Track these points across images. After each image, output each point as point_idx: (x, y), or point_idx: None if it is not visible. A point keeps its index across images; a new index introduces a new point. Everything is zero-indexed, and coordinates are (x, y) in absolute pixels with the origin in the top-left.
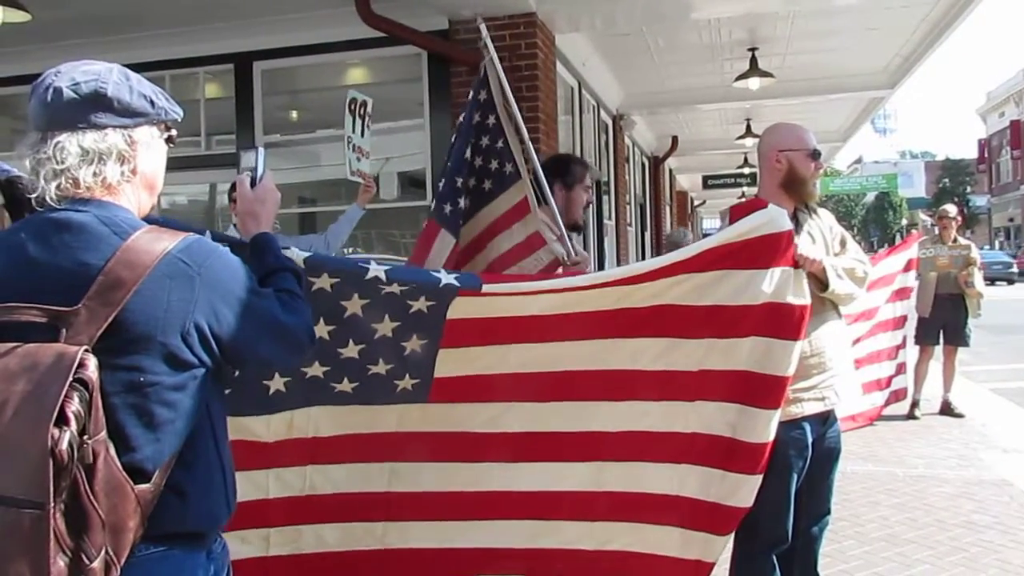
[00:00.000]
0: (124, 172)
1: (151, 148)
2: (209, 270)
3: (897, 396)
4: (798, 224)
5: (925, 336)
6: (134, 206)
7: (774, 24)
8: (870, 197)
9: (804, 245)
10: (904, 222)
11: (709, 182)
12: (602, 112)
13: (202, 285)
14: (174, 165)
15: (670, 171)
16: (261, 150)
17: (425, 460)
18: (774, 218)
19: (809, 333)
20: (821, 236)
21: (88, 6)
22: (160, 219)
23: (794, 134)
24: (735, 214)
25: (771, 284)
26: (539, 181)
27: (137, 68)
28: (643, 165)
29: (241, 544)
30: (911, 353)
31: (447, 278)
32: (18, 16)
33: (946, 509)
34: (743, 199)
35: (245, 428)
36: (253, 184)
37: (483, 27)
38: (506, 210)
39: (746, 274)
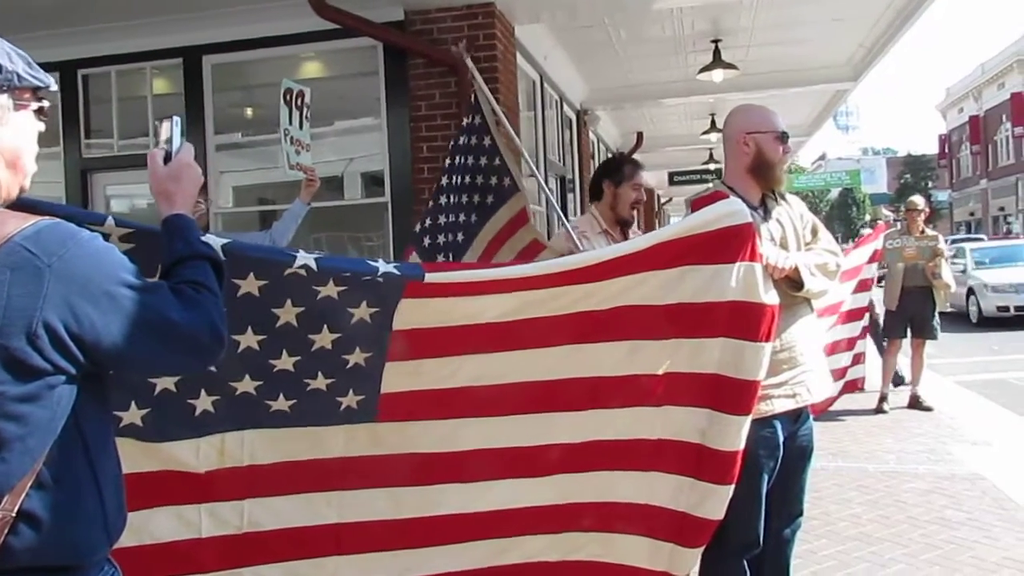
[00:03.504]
0: None
1: (5, 121)
2: (64, 260)
3: (852, 386)
4: (767, 211)
5: (893, 329)
6: None
7: (737, 15)
8: (834, 193)
9: (772, 253)
10: (867, 218)
11: (675, 178)
12: (565, 107)
13: (54, 277)
14: (122, 164)
15: None
16: (176, 119)
17: (376, 486)
18: (734, 210)
19: (780, 328)
20: (791, 224)
21: None
22: (29, 200)
23: (761, 116)
24: (696, 207)
25: (737, 281)
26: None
27: (82, 63)
28: None
29: None
30: (870, 344)
31: (385, 267)
32: None
33: (919, 505)
34: (707, 192)
35: (172, 457)
36: (169, 159)
37: (468, 61)
38: (508, 220)
39: (710, 269)
